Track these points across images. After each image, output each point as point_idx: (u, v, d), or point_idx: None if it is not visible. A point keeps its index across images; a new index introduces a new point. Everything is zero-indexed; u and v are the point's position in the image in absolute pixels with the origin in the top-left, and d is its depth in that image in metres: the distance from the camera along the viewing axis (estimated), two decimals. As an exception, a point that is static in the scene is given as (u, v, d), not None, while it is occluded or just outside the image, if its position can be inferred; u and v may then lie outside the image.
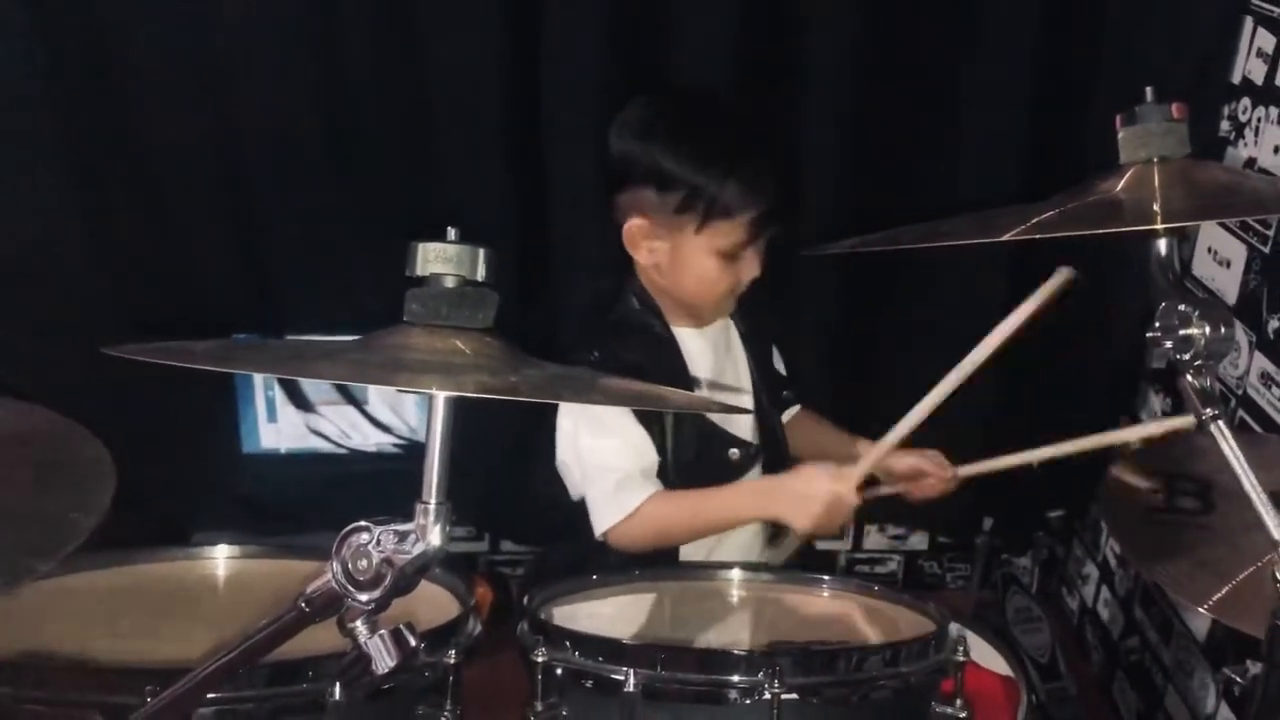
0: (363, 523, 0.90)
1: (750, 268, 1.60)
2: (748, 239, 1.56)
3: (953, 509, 2.14)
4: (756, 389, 1.73)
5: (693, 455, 1.62)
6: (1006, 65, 1.93)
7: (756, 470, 1.70)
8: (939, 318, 2.06)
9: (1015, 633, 2.33)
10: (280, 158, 1.90)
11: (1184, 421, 1.31)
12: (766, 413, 1.74)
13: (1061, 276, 1.43)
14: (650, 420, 1.59)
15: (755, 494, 1.62)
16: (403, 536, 0.90)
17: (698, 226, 1.54)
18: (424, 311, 0.94)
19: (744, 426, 1.69)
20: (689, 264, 1.58)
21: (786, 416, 1.84)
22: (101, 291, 1.92)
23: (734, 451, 1.67)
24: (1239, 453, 1.07)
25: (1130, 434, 1.64)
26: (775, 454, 1.73)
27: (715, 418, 1.65)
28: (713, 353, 1.68)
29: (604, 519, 1.56)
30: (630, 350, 1.60)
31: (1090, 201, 1.13)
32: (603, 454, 1.58)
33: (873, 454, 1.59)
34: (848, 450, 1.74)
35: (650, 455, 1.59)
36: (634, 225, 1.57)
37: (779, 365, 1.84)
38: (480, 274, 0.95)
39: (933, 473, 1.71)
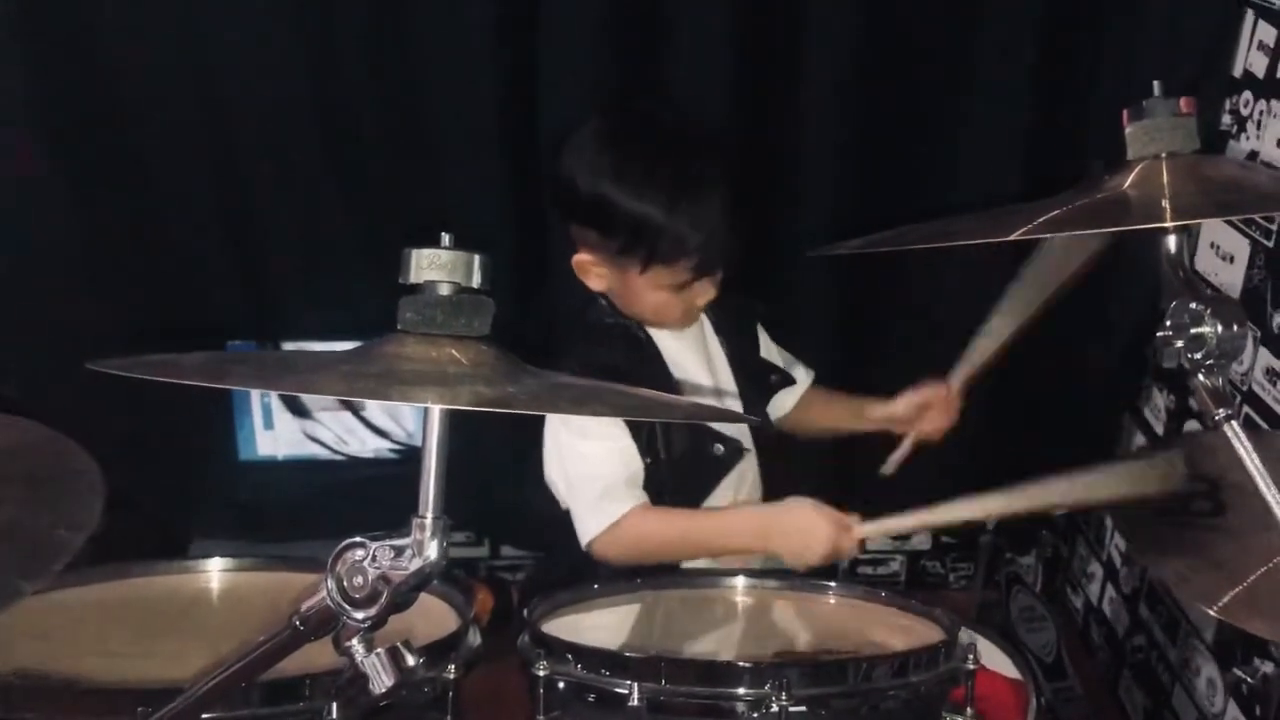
0: (358, 538, 0.88)
1: (704, 293, 1.58)
2: (693, 278, 1.54)
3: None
4: (741, 386, 1.69)
5: (680, 453, 1.59)
6: (1008, 58, 1.92)
7: (743, 465, 1.66)
8: (938, 308, 2.05)
9: (1020, 632, 2.31)
10: (276, 163, 1.89)
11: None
12: (755, 410, 1.70)
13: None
14: (638, 421, 1.55)
15: (751, 527, 1.56)
16: (399, 552, 0.88)
17: (640, 269, 1.52)
18: (418, 319, 0.91)
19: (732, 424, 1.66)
20: (639, 296, 1.56)
21: (791, 397, 1.80)
22: (96, 299, 1.91)
23: (718, 446, 1.63)
24: (1254, 453, 1.06)
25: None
26: (766, 450, 1.70)
27: None
28: (691, 352, 1.65)
29: (588, 529, 1.53)
30: (609, 353, 1.57)
31: (1099, 199, 1.11)
32: (587, 461, 1.55)
33: (886, 525, 1.54)
34: (859, 418, 1.74)
35: (636, 463, 1.56)
36: (581, 259, 1.57)
37: (769, 349, 1.80)
38: (475, 280, 0.91)
39: (935, 400, 1.68)
